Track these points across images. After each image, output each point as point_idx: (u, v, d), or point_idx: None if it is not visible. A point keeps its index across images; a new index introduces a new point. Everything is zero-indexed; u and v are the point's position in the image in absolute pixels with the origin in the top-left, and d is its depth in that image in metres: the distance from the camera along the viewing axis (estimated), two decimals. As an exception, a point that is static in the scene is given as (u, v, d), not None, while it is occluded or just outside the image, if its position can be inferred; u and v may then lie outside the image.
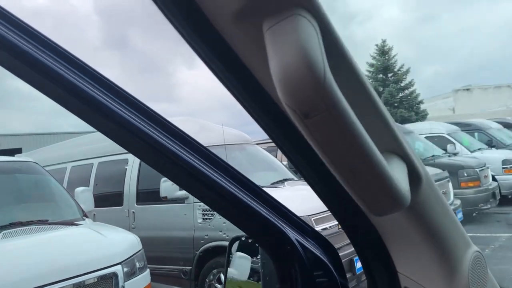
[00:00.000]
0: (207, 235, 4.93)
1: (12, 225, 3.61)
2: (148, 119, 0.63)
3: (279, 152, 7.57)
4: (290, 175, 5.93)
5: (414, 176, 0.59)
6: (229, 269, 1.04)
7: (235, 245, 1.03)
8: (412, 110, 33.80)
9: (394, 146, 0.56)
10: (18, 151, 10.69)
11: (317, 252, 0.85)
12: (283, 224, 0.81)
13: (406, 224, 0.66)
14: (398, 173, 0.52)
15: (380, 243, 0.73)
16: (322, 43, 0.40)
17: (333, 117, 0.41)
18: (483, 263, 0.76)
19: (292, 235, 0.83)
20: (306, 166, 0.63)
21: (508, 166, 10.94)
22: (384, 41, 35.40)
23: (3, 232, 3.46)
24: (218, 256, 4.86)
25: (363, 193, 0.48)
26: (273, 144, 7.90)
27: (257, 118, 0.58)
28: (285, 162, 6.58)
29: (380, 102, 0.53)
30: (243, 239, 1.02)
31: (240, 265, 1.04)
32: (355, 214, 0.68)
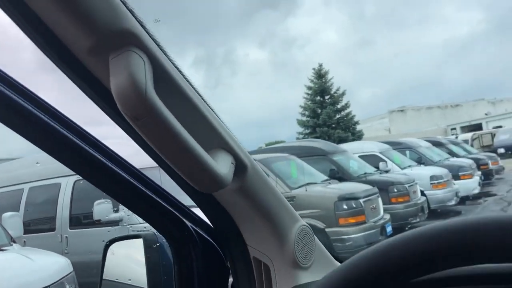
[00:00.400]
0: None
1: None
2: (84, 140, 0.78)
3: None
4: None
5: (240, 166, 0.78)
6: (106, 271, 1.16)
7: (113, 247, 1.15)
8: (349, 131, 35.13)
9: (222, 143, 0.75)
10: None
11: (207, 237, 1.00)
12: (181, 215, 0.98)
13: (243, 204, 0.85)
14: (220, 162, 0.71)
15: (232, 222, 0.90)
16: (148, 69, 0.58)
17: (155, 120, 0.58)
18: (310, 234, 0.94)
19: (188, 223, 0.99)
20: (157, 159, 0.78)
21: (435, 181, 11.65)
22: (320, 65, 36.83)
23: None
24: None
25: (189, 177, 0.66)
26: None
27: (118, 123, 0.75)
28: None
29: (208, 112, 0.72)
30: (118, 241, 1.15)
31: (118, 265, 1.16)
32: (206, 200, 0.86)
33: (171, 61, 0.67)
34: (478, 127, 52.86)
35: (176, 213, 0.96)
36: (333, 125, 35.13)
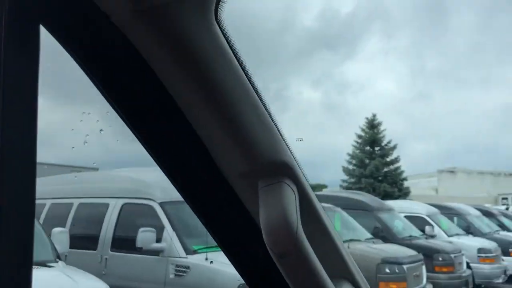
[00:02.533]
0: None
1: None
2: None
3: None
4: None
5: None
6: None
7: None
8: (395, 186, 34.21)
9: (345, 273, 0.74)
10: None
11: None
12: None
13: None
14: None
15: None
16: (298, 205, 0.58)
17: (301, 260, 0.57)
18: None
19: None
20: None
21: (483, 255, 11.06)
22: (374, 115, 36.47)
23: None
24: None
25: None
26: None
27: None
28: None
29: (339, 242, 0.71)
30: None
31: None
32: None
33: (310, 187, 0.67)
34: (533, 200, 50.09)
35: None
36: (380, 178, 34.34)
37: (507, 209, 29.45)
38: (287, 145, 0.60)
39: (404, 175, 35.86)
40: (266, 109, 0.61)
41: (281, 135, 0.60)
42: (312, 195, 0.65)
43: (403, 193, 34.00)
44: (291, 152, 0.62)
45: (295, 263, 0.58)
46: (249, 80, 0.58)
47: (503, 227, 16.56)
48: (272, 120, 0.61)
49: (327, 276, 0.62)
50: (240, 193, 0.65)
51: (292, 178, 0.59)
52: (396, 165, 35.43)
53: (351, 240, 7.04)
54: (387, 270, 6.45)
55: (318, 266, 0.60)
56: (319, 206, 0.67)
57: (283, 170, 0.58)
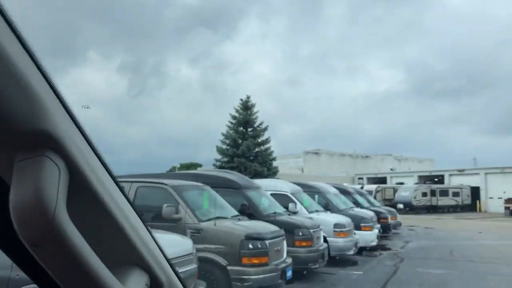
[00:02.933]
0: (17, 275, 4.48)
1: None
2: None
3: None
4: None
5: (156, 285, 0.66)
6: None
7: None
8: (265, 166, 35.70)
9: (138, 260, 0.65)
10: None
11: None
12: None
13: None
14: (131, 284, 0.59)
15: None
16: (63, 181, 0.47)
17: (61, 248, 0.47)
18: None
19: None
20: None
21: (338, 229, 12.07)
22: (248, 97, 37.42)
23: None
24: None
25: None
26: (121, 184, 7.62)
27: None
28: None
29: (129, 226, 0.61)
30: None
31: None
32: None
33: (102, 161, 0.57)
34: (383, 180, 56.41)
35: None
36: (251, 158, 35.51)
37: (362, 187, 32.72)
38: (52, 111, 0.47)
39: (273, 155, 37.56)
40: (40, 71, 0.48)
41: (59, 101, 0.48)
42: (89, 172, 0.54)
43: (272, 172, 35.67)
44: (72, 122, 0.52)
45: (53, 251, 0.48)
46: (20, 41, 0.45)
47: (357, 204, 18.31)
48: (48, 82, 0.49)
49: (100, 263, 0.53)
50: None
51: (59, 151, 0.49)
52: (266, 145, 36.92)
53: (217, 218, 7.12)
54: (250, 246, 6.66)
55: (87, 253, 0.50)
56: (100, 186, 0.56)
57: (44, 141, 0.47)
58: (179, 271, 3.49)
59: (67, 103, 0.52)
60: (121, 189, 0.64)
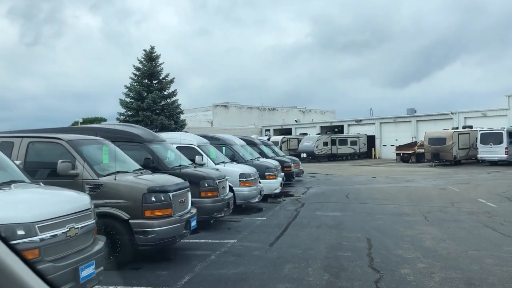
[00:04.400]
0: None
1: None
2: None
3: (15, 150, 6.81)
4: (21, 176, 5.40)
5: None
6: None
7: None
8: (172, 119, 35.18)
9: None
10: None
11: None
12: None
13: None
14: None
15: None
16: None
17: None
18: None
19: None
20: None
21: (244, 179, 12.43)
22: (152, 48, 36.01)
23: None
24: None
25: None
26: (8, 139, 7.05)
27: None
28: (18, 162, 5.95)
29: None
30: None
31: None
32: None
33: None
34: (288, 131, 58.55)
35: None
36: (158, 111, 34.69)
37: (268, 139, 33.71)
38: None
39: (181, 108, 37.04)
40: None
41: None
42: None
43: (180, 126, 35.32)
44: None
45: None
46: None
47: (263, 154, 18.91)
48: None
49: None
50: None
51: None
52: (173, 98, 36.22)
53: (118, 172, 6.94)
54: (153, 199, 6.62)
55: None
56: None
57: None
58: (76, 226, 3.35)
59: None
60: None
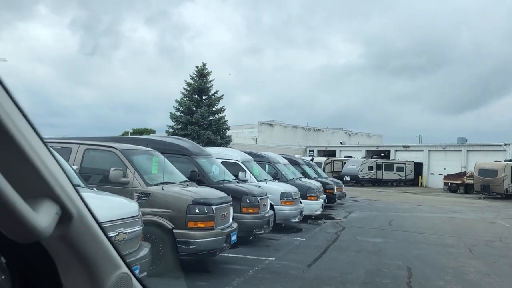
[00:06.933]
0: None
1: None
2: None
3: (72, 155, 7.26)
4: (78, 181, 5.76)
5: (66, 215, 0.80)
6: None
7: None
8: (218, 134, 35.80)
9: (48, 192, 0.75)
10: None
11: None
12: None
13: (66, 249, 0.87)
14: (42, 213, 0.71)
15: (49, 261, 0.92)
16: None
17: None
18: (128, 282, 1.00)
19: None
20: None
21: (285, 198, 12.50)
22: (204, 65, 37.01)
23: None
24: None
25: (1, 225, 0.66)
26: (67, 145, 7.51)
27: None
28: (75, 167, 6.35)
29: (37, 158, 0.71)
30: None
31: None
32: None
33: (12, 99, 0.66)
34: (333, 153, 57.99)
35: None
36: (205, 126, 35.45)
37: (312, 159, 33.59)
38: None
39: (228, 124, 37.64)
40: None
41: None
42: None
43: (225, 141, 35.86)
44: None
45: None
46: None
47: (305, 174, 18.89)
48: None
49: (14, 192, 0.63)
50: None
51: None
52: (221, 114, 36.91)
53: (166, 183, 7.23)
54: (197, 210, 6.84)
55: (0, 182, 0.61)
56: (8, 121, 0.64)
57: None
58: (124, 231, 3.57)
59: None
60: (33, 127, 0.71)
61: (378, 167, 45.16)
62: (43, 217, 0.70)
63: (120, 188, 6.69)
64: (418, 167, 48.98)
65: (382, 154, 54.84)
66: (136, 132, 57.72)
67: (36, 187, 0.72)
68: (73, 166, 6.25)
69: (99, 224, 0.93)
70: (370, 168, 44.44)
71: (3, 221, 0.65)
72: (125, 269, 1.02)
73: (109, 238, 0.98)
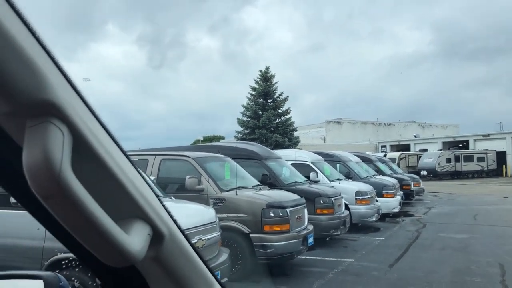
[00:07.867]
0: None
1: None
2: None
3: (149, 166, 7.54)
4: (157, 191, 5.98)
5: (158, 236, 0.78)
6: None
7: None
8: (286, 136, 35.80)
9: (139, 213, 0.74)
10: None
11: None
12: None
13: (159, 270, 0.85)
14: (134, 235, 0.70)
15: (142, 282, 0.90)
16: (67, 142, 0.57)
17: (67, 201, 0.57)
18: None
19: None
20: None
21: (360, 197, 12.18)
22: (267, 68, 37.21)
23: None
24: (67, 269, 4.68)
25: (96, 252, 0.66)
26: (144, 157, 7.84)
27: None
28: (153, 177, 6.60)
29: (128, 181, 0.70)
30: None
31: None
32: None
33: (103, 126, 0.66)
34: (406, 147, 55.83)
35: None
36: (272, 129, 35.61)
37: (385, 155, 32.54)
38: (54, 80, 0.57)
39: (294, 125, 37.54)
40: (43, 47, 0.57)
41: (59, 71, 0.58)
42: (90, 136, 0.63)
43: (293, 143, 35.77)
44: (75, 93, 0.61)
45: (61, 204, 0.57)
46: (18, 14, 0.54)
47: (379, 172, 18.30)
48: (47, 53, 0.58)
49: (105, 215, 0.62)
50: (13, 134, 0.61)
51: (62, 118, 0.58)
52: (287, 116, 36.89)
53: (239, 188, 7.29)
54: (272, 214, 6.84)
55: (92, 205, 0.60)
56: (101, 147, 0.65)
57: (48, 109, 0.56)
58: (203, 238, 3.63)
59: (68, 75, 0.62)
60: (121, 149, 0.71)
61: (457, 158, 42.84)
62: (136, 240, 0.69)
63: (196, 196, 6.85)
64: (501, 156, 45.83)
65: (460, 145, 51.93)
66: (207, 139, 59.26)
67: (127, 209, 0.72)
68: (150, 177, 6.50)
69: (189, 241, 0.92)
70: (448, 160, 42.28)
71: (97, 247, 0.64)
72: (217, 286, 0.99)
73: (200, 256, 0.95)
